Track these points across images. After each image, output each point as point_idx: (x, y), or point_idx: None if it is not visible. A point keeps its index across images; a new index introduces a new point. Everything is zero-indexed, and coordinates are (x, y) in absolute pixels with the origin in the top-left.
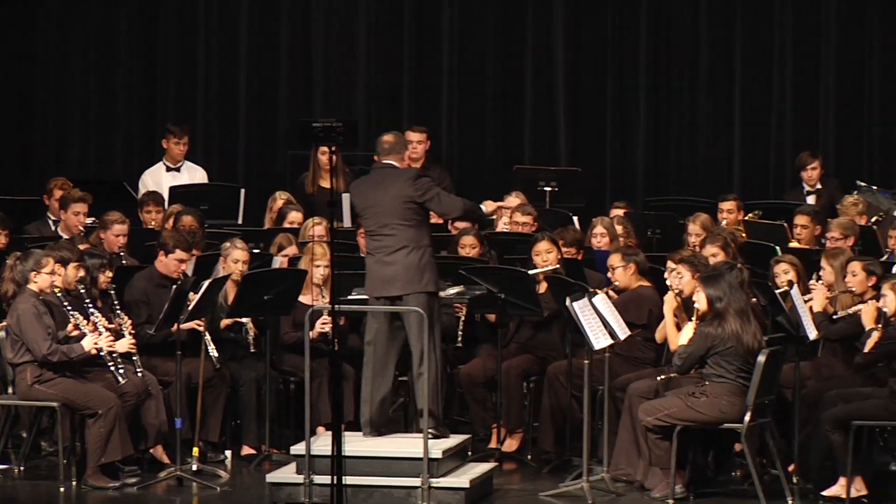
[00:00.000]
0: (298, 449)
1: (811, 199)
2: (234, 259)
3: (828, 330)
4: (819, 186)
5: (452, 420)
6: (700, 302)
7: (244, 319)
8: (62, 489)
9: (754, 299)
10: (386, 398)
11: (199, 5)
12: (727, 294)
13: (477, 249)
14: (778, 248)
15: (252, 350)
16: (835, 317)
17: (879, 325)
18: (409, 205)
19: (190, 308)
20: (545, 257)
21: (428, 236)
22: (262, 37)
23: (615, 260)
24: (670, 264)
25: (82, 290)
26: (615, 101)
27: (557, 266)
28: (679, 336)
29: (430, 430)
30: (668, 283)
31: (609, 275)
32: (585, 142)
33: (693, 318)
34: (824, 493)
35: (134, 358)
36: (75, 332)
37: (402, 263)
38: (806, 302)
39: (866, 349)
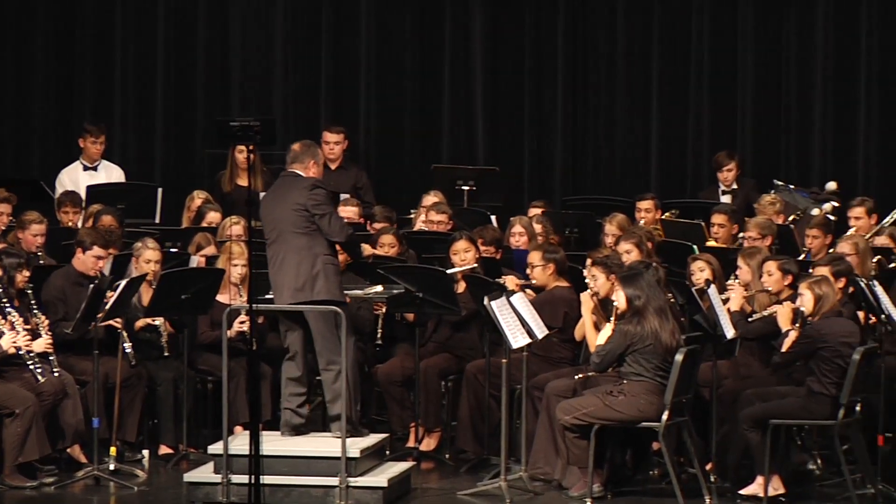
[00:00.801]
0: (216, 448)
1: (727, 199)
2: (147, 259)
3: (745, 329)
4: (735, 187)
5: (370, 419)
6: (619, 301)
7: (157, 320)
8: None
9: (672, 298)
10: (303, 398)
11: (116, 4)
12: (646, 293)
13: (395, 249)
14: (695, 247)
15: (166, 353)
16: (752, 317)
17: (796, 325)
18: (302, 213)
19: (107, 307)
20: (463, 256)
21: (323, 244)
22: (179, 35)
23: (535, 258)
24: (587, 266)
25: None
26: (533, 100)
27: (475, 265)
28: (598, 335)
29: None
30: (587, 282)
31: (528, 272)
32: (503, 141)
33: (612, 318)
34: (742, 491)
35: (51, 358)
36: None
37: (292, 273)
38: (724, 301)
39: (783, 349)
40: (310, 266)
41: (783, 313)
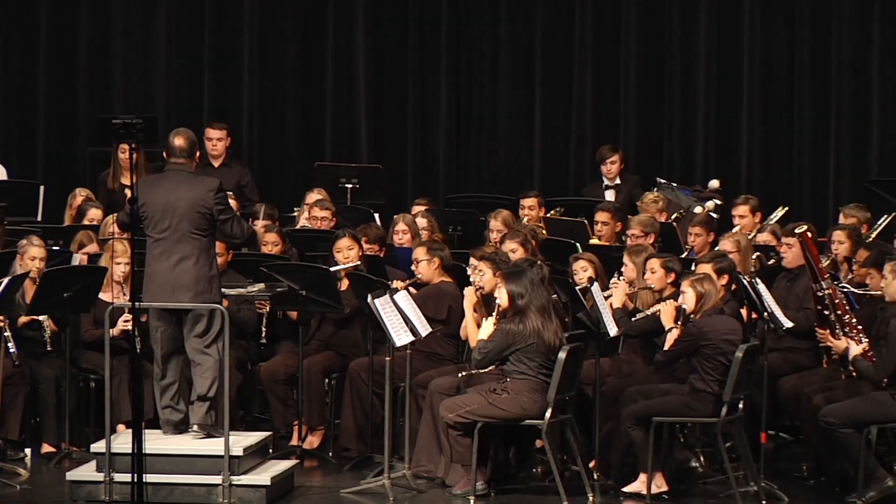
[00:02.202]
0: (99, 447)
1: (610, 194)
2: (31, 256)
3: (628, 327)
4: (619, 182)
5: (254, 417)
6: (502, 298)
7: (41, 317)
8: None
9: (556, 296)
10: (178, 397)
11: None
12: (529, 291)
13: (279, 247)
14: (579, 244)
15: (49, 349)
16: (636, 315)
17: (679, 323)
18: (207, 215)
19: None
20: (346, 254)
21: (214, 245)
22: (61, 33)
23: (420, 253)
24: (473, 261)
25: None
26: (416, 98)
27: (359, 263)
28: (479, 332)
29: (203, 433)
30: (471, 279)
31: (413, 267)
32: (386, 139)
33: (494, 314)
34: (625, 489)
35: None
36: None
37: (192, 273)
38: (606, 298)
39: (666, 347)
40: (208, 268)
41: (666, 311)
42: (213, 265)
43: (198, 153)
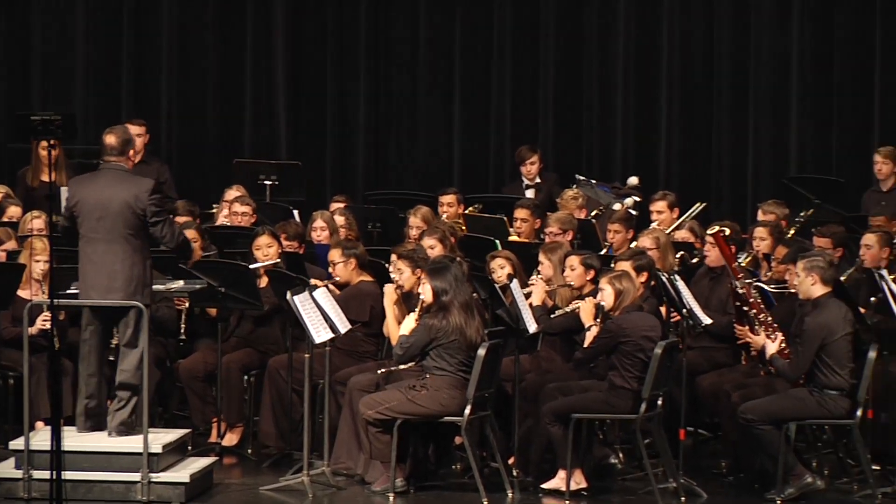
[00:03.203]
0: (17, 444)
1: (530, 193)
2: None
3: (548, 324)
4: (538, 181)
5: (173, 414)
6: (425, 293)
7: None
8: None
9: (475, 293)
10: (99, 394)
11: None
12: (453, 287)
13: (198, 243)
14: (498, 241)
15: None
16: (555, 312)
17: (597, 321)
18: (141, 216)
19: None
20: (265, 251)
21: (148, 246)
22: None
23: (335, 255)
24: (394, 258)
25: None
26: (335, 94)
27: (278, 260)
28: (400, 328)
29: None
30: (392, 276)
31: (330, 270)
32: (305, 135)
33: (416, 309)
34: (544, 485)
35: None
36: None
37: (125, 273)
38: (526, 296)
39: (585, 344)
40: (142, 269)
41: (585, 308)
42: (146, 267)
43: (132, 151)
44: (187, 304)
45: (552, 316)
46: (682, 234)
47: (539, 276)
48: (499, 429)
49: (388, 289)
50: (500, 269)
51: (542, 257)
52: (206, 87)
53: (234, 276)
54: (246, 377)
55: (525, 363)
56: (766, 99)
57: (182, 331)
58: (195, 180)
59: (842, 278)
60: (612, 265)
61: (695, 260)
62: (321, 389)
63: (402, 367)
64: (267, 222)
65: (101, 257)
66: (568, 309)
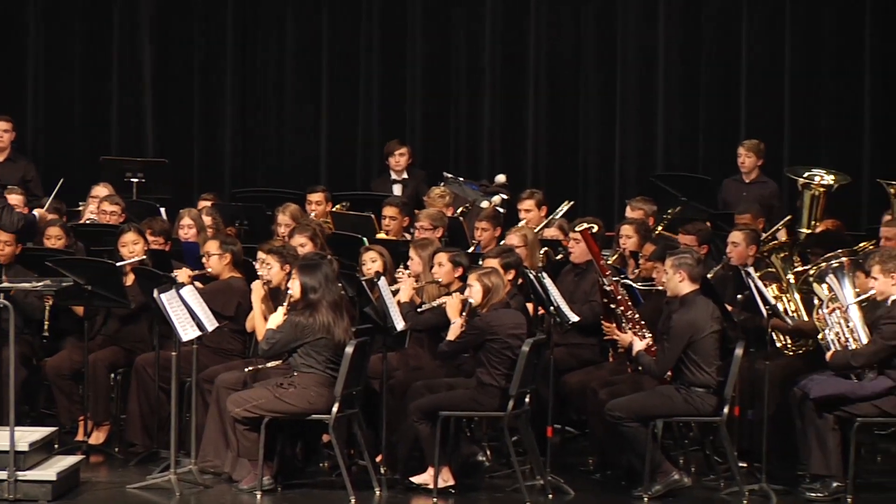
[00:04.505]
0: None
1: (398, 188)
2: None
3: (415, 321)
4: (406, 176)
5: (39, 413)
6: (294, 289)
7: None
8: None
9: (343, 291)
10: None
11: None
12: (322, 285)
13: (63, 241)
14: (366, 239)
15: None
16: (421, 307)
17: (464, 315)
18: None
19: None
20: (131, 248)
21: None
22: None
23: (213, 247)
24: (261, 255)
25: None
26: (202, 92)
27: (144, 257)
28: (268, 323)
29: None
30: (259, 273)
31: (204, 260)
32: (172, 133)
33: (284, 305)
34: (412, 479)
35: None
36: None
37: None
38: (394, 293)
39: (450, 337)
40: None
41: (452, 304)
42: None
43: None
44: (52, 302)
45: (419, 311)
46: (551, 232)
47: (407, 272)
48: (367, 426)
49: (256, 285)
50: (372, 262)
51: (412, 253)
52: (72, 84)
53: (100, 274)
54: (113, 375)
55: (393, 361)
56: (633, 97)
57: (45, 328)
58: (62, 178)
59: (709, 276)
60: (480, 262)
61: (559, 256)
62: (188, 387)
63: (269, 365)
64: (134, 220)
65: None
66: (435, 304)
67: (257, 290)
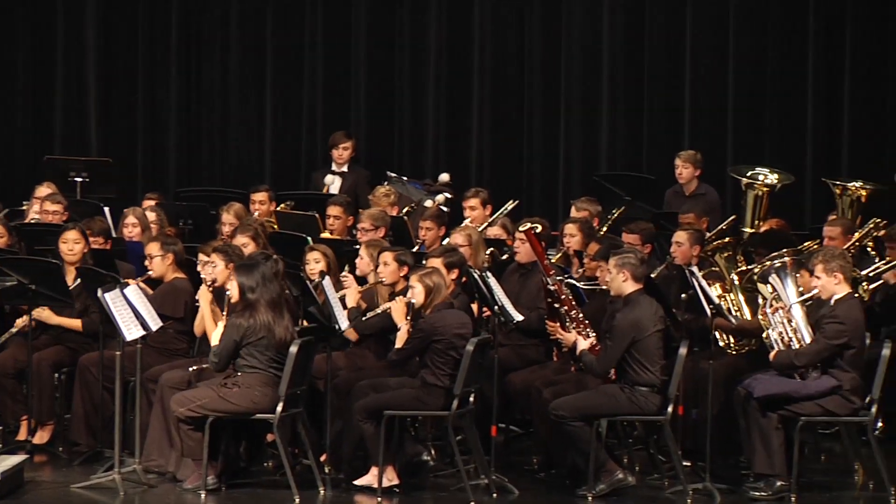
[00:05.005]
0: None
1: (337, 181)
2: None
3: (362, 326)
4: (345, 170)
5: None
6: (232, 291)
7: None
8: None
9: (287, 290)
10: None
11: None
12: (260, 285)
13: (5, 239)
14: (310, 238)
15: None
16: (367, 315)
17: (408, 318)
18: None
19: None
20: (72, 247)
21: None
22: None
23: (154, 248)
24: (202, 257)
25: None
26: (146, 91)
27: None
28: (216, 328)
29: None
30: (201, 274)
31: (147, 263)
32: (116, 132)
33: (224, 315)
34: (356, 482)
35: None
36: None
37: None
38: (342, 298)
39: (398, 344)
40: None
41: (396, 308)
42: None
43: None
44: None
45: (364, 318)
46: (496, 231)
47: (351, 276)
48: (311, 426)
49: (203, 289)
50: (315, 262)
51: (363, 252)
52: (15, 82)
53: (43, 273)
54: (57, 375)
55: (337, 360)
56: (577, 96)
57: None
58: (6, 178)
59: (653, 275)
60: (424, 262)
61: (504, 256)
62: (132, 387)
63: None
64: (77, 219)
65: None
66: (379, 310)
67: (204, 294)
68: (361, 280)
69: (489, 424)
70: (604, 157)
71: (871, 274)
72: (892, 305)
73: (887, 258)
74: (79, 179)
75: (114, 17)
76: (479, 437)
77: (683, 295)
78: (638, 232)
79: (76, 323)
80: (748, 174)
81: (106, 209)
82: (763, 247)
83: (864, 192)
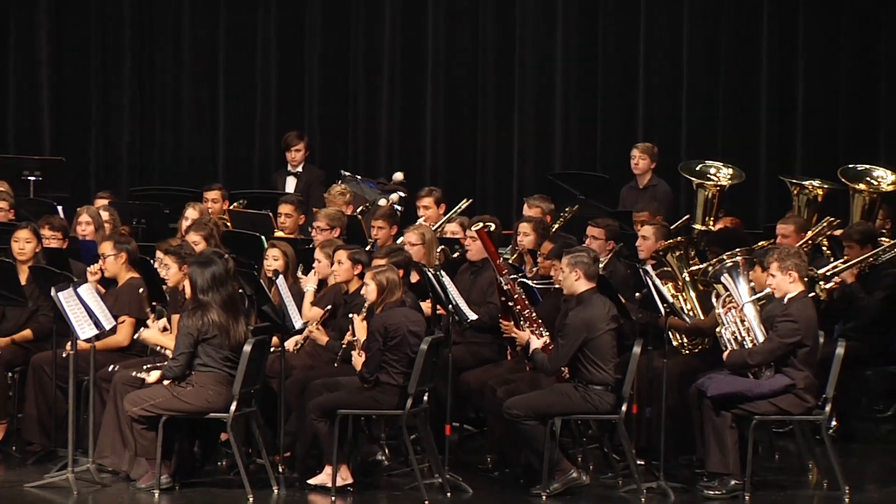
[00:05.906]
0: None
1: (291, 181)
2: None
3: (346, 353)
4: (300, 170)
5: None
6: (186, 290)
7: None
8: None
9: (240, 289)
10: None
11: None
12: (213, 285)
13: None
14: (263, 237)
15: None
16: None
17: (362, 316)
18: None
19: None
20: (23, 246)
21: None
22: None
23: (107, 248)
24: (160, 255)
25: None
26: (99, 90)
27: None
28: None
29: None
30: (160, 273)
31: (100, 263)
32: (69, 131)
33: (175, 322)
34: (310, 481)
35: None
36: None
37: None
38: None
39: (361, 358)
40: None
41: (358, 324)
42: None
43: None
44: None
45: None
46: (451, 229)
47: (307, 276)
48: (265, 425)
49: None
50: (274, 260)
51: (319, 254)
52: None
53: None
54: (10, 373)
55: (291, 359)
56: (531, 94)
57: None
58: None
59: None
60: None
61: (457, 255)
62: (86, 386)
63: (167, 363)
64: (30, 218)
65: None
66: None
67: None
68: (322, 284)
69: (443, 423)
70: (558, 155)
71: (828, 273)
72: (849, 304)
73: (845, 257)
74: (32, 178)
75: (66, 16)
76: (432, 435)
77: (638, 293)
78: (603, 226)
79: (27, 334)
80: (698, 168)
81: (59, 208)
82: (717, 245)
83: (820, 192)
